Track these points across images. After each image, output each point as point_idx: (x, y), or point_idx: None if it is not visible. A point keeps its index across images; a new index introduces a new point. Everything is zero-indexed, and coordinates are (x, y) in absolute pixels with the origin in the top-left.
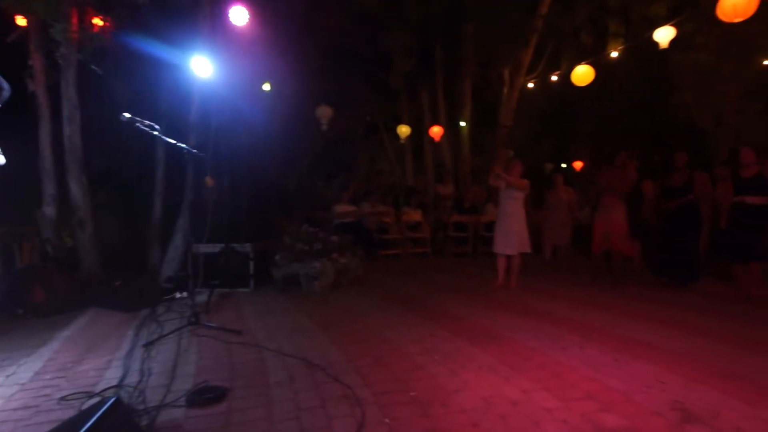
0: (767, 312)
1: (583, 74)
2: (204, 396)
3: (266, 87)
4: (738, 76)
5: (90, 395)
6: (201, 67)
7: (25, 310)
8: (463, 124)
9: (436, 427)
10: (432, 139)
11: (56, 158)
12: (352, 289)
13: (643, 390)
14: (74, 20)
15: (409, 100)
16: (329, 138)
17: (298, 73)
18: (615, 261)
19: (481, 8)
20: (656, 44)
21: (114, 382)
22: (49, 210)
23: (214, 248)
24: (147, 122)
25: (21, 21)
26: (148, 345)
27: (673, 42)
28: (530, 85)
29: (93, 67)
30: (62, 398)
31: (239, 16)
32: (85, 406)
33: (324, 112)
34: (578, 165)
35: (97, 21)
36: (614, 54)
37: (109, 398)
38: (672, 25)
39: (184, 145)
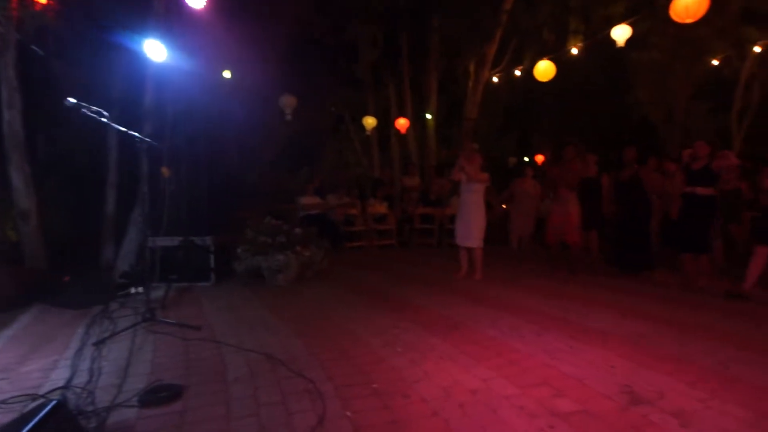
0: (710, 300)
1: (544, 70)
2: (158, 395)
3: (227, 74)
4: (688, 76)
5: (33, 398)
6: (154, 51)
7: None
8: (429, 116)
9: (397, 418)
10: (398, 131)
11: None
12: (317, 282)
13: (595, 375)
14: None
15: (375, 91)
16: (295, 129)
17: (260, 61)
18: (572, 251)
19: (447, 0)
20: (614, 42)
21: (60, 384)
22: None
23: (172, 241)
24: (94, 108)
25: None
26: (99, 343)
27: (629, 41)
28: (495, 79)
29: (34, 47)
30: (2, 401)
31: None
32: (26, 410)
33: (287, 102)
34: (540, 158)
35: None
36: (574, 51)
37: (52, 400)
38: (628, 24)
39: (135, 133)
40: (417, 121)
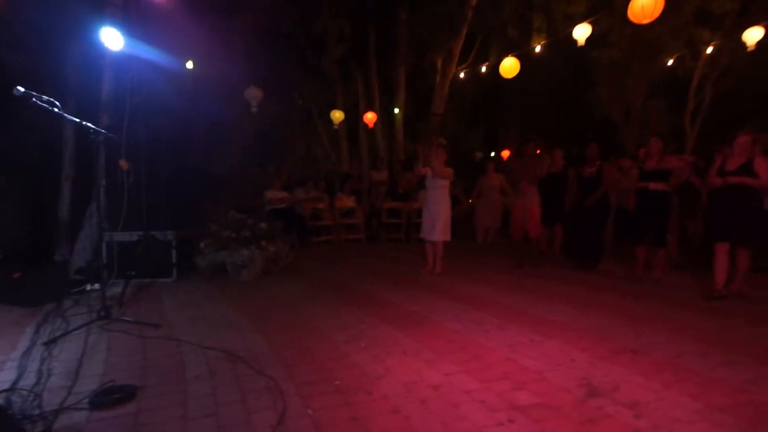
0: (665, 292)
1: (509, 67)
2: (110, 396)
3: (189, 65)
4: (645, 74)
5: None
6: (112, 39)
7: None
8: (397, 111)
9: (358, 415)
10: (366, 125)
11: None
12: (283, 278)
13: (555, 368)
14: None
15: (343, 85)
16: (263, 122)
17: (225, 53)
18: (534, 245)
19: None
20: (575, 41)
21: (5, 386)
22: None
23: (131, 236)
24: (45, 98)
25: None
26: (50, 343)
27: (589, 39)
28: (461, 75)
29: None
30: None
31: None
32: None
33: (253, 94)
34: (506, 153)
35: None
36: (538, 48)
37: None
38: (589, 23)
39: (90, 125)
40: (385, 115)
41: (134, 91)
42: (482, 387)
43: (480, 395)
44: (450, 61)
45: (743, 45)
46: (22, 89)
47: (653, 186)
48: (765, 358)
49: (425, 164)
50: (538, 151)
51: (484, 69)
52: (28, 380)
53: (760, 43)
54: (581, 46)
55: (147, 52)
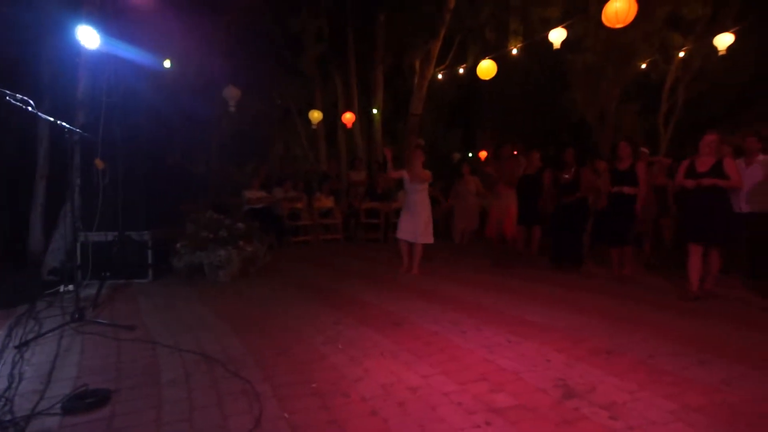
0: (641, 292)
1: (487, 69)
2: (84, 401)
3: (167, 64)
4: (619, 78)
5: None
6: (87, 37)
7: None
8: (375, 111)
9: (336, 418)
10: (345, 125)
11: None
12: (260, 278)
13: (531, 369)
14: None
15: (322, 84)
16: (242, 121)
17: (204, 51)
18: (511, 245)
19: None
20: (551, 44)
21: None
22: None
23: (106, 236)
24: (20, 96)
25: None
26: (22, 346)
27: (565, 43)
28: (440, 76)
29: None
30: None
31: None
32: None
33: (231, 93)
34: (483, 154)
35: None
36: (515, 51)
37: None
38: (564, 27)
39: (65, 124)
40: (364, 115)
41: (111, 90)
42: (460, 389)
43: (457, 397)
44: (428, 62)
45: (715, 50)
46: None
47: (627, 190)
48: (737, 357)
49: (396, 167)
50: (515, 153)
51: (461, 70)
52: (0, 385)
53: (730, 48)
54: (557, 50)
55: (124, 51)
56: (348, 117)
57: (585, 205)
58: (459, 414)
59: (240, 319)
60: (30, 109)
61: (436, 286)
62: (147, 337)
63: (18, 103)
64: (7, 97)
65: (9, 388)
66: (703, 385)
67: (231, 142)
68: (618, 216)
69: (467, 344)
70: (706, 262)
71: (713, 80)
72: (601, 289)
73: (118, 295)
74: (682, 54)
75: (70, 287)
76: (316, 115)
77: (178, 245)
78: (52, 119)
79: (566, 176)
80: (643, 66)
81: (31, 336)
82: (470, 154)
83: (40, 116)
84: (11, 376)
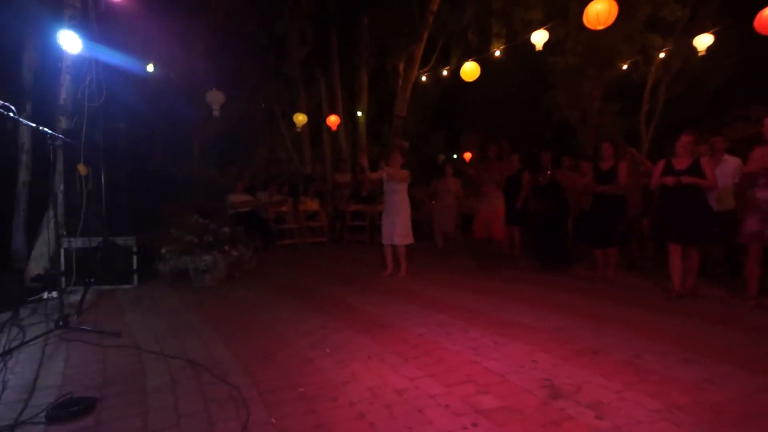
0: (625, 292)
1: (470, 71)
2: (68, 409)
3: (150, 68)
4: (600, 79)
5: None
6: (69, 42)
7: None
8: (360, 113)
9: (323, 422)
10: (330, 127)
11: None
12: (246, 283)
13: (518, 370)
14: None
15: (306, 87)
16: (226, 125)
17: (187, 55)
18: (496, 247)
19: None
20: (533, 46)
21: None
22: None
23: (91, 242)
24: (0, 102)
25: None
26: (5, 354)
27: (547, 45)
28: (423, 78)
29: None
30: None
31: None
32: None
33: (215, 98)
34: (468, 156)
35: None
36: (497, 53)
37: None
38: (546, 29)
39: (47, 130)
40: (348, 118)
41: (93, 95)
42: (446, 391)
43: (444, 399)
44: (412, 64)
45: (694, 50)
46: None
47: (609, 190)
48: (720, 356)
49: (375, 169)
50: (509, 153)
51: (445, 73)
52: None
53: (710, 49)
54: (539, 52)
55: (107, 55)
56: (333, 120)
57: (565, 204)
58: (446, 416)
59: (226, 323)
60: (12, 114)
61: (423, 289)
62: (132, 343)
63: None
64: None
65: None
66: (687, 384)
67: (215, 145)
68: (602, 216)
69: (454, 346)
70: (686, 260)
71: (693, 80)
72: (586, 289)
73: (102, 301)
74: (662, 55)
75: (54, 294)
76: (300, 119)
77: (163, 250)
78: (34, 125)
79: (542, 180)
80: (624, 67)
81: (14, 344)
82: (455, 156)
83: (21, 122)
84: None
